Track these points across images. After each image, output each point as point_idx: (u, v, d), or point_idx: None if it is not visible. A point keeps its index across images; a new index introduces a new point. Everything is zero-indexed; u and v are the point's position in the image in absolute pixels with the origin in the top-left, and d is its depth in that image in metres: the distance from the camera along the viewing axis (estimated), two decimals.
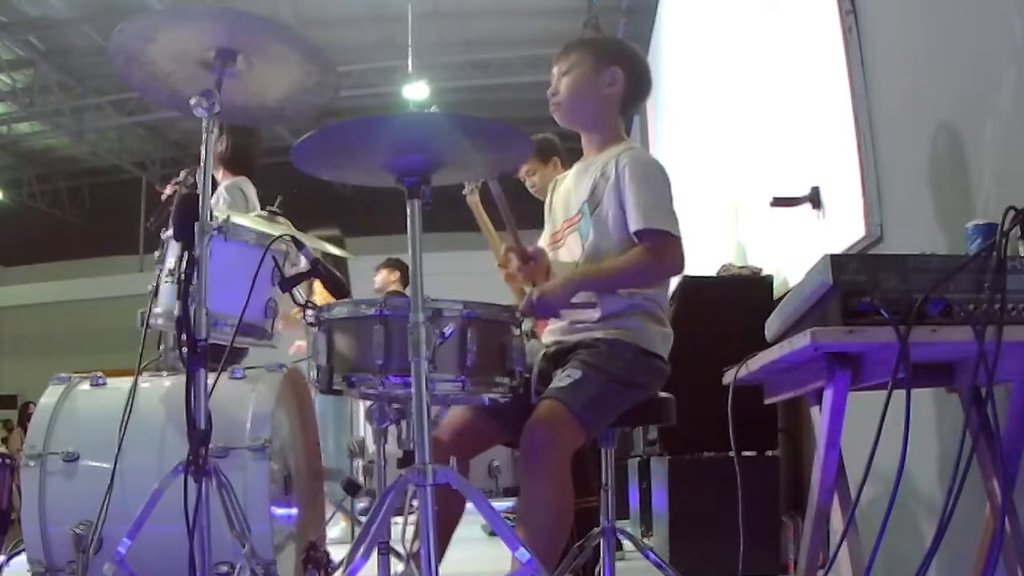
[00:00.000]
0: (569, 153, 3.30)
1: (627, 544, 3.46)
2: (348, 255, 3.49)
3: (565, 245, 2.24)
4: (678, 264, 2.10)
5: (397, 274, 5.70)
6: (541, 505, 1.93)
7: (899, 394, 1.42)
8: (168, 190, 3.40)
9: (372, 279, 5.99)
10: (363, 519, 3.79)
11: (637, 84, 2.27)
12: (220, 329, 2.14)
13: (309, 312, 1.94)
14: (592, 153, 2.28)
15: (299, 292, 2.13)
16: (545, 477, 1.92)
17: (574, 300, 2.07)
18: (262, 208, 2.56)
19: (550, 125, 2.34)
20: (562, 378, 2.00)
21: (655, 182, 2.12)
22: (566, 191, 2.30)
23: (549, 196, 2.40)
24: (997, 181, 1.95)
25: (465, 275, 5.31)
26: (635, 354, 2.07)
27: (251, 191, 3.56)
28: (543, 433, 1.92)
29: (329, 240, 2.56)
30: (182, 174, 3.44)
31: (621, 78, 2.22)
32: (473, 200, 3.44)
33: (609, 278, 2.10)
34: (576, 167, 2.34)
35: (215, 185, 3.50)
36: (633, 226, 2.07)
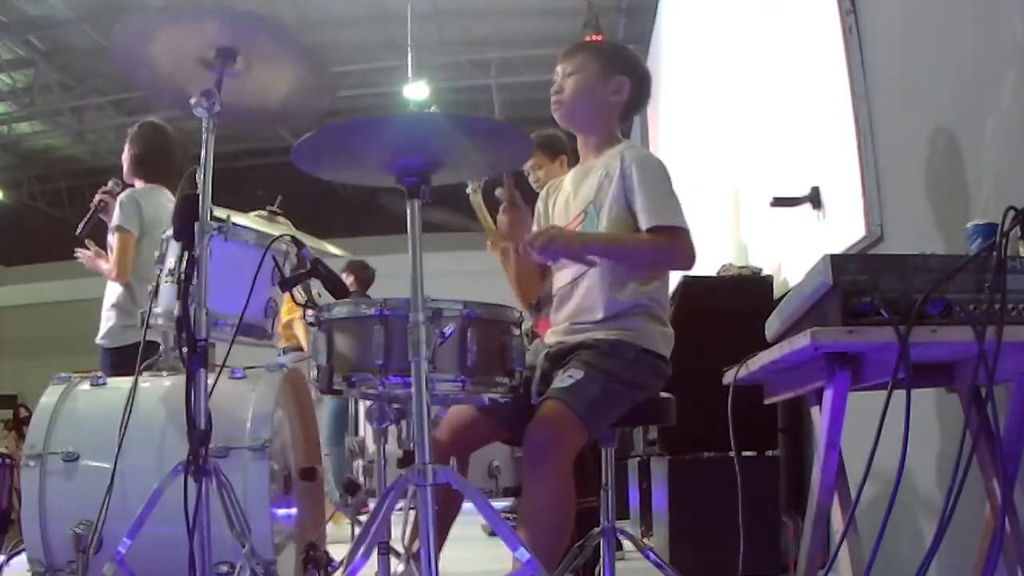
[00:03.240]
0: (573, 153, 3.29)
1: (627, 544, 3.46)
2: (344, 254, 3.48)
3: None
4: (689, 257, 2.10)
5: (351, 278, 5.74)
6: (543, 506, 1.93)
7: (899, 394, 1.42)
8: (96, 198, 3.40)
9: (375, 278, 6.02)
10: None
11: (640, 95, 2.30)
12: (220, 329, 2.14)
13: (309, 312, 1.94)
14: (589, 156, 2.29)
15: (299, 292, 2.13)
16: (548, 478, 1.92)
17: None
18: (259, 209, 2.55)
19: (550, 125, 2.35)
20: (563, 379, 2.01)
21: (661, 179, 2.14)
22: (564, 197, 2.30)
23: (542, 203, 2.40)
24: (997, 181, 1.95)
25: (465, 275, 5.31)
26: (636, 354, 2.07)
27: (157, 199, 3.42)
28: (546, 434, 1.92)
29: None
30: (110, 183, 3.45)
31: (627, 88, 2.24)
32: (476, 200, 3.43)
33: (623, 249, 2.11)
34: (572, 172, 2.34)
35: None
36: (645, 224, 2.08)
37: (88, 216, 3.46)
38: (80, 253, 3.55)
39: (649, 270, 2.14)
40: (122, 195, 3.41)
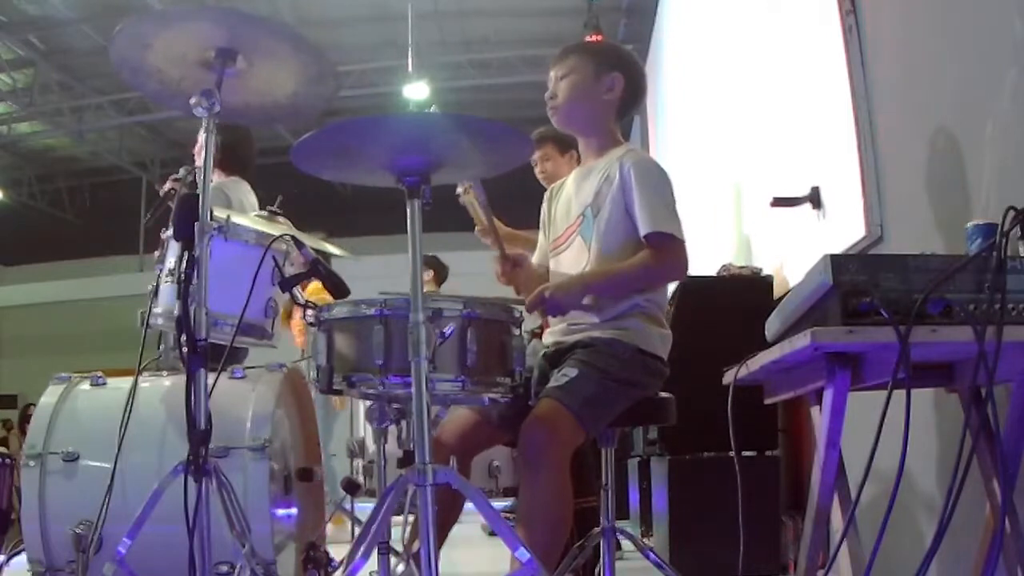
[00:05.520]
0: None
1: (627, 544, 3.46)
2: (344, 254, 3.47)
3: (568, 249, 2.23)
4: (683, 267, 2.12)
5: (431, 273, 5.63)
6: (541, 504, 1.92)
7: (899, 394, 1.42)
8: (167, 186, 3.39)
9: (373, 279, 5.96)
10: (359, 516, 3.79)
11: (634, 90, 2.28)
12: (220, 329, 2.14)
13: (309, 312, 1.94)
14: (591, 158, 2.29)
15: (299, 292, 2.13)
16: (544, 476, 1.92)
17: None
18: (262, 208, 2.55)
19: (550, 125, 2.34)
20: (558, 377, 2.01)
21: (660, 185, 2.14)
22: (566, 198, 2.30)
23: (547, 204, 2.40)
24: (997, 181, 1.95)
25: (466, 275, 5.31)
26: (632, 353, 2.07)
27: (240, 191, 3.50)
28: (541, 432, 1.92)
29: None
30: (181, 171, 3.42)
31: (620, 84, 2.23)
32: (468, 199, 3.42)
33: (617, 281, 2.11)
34: (574, 173, 2.34)
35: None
36: (643, 229, 2.09)
37: (157, 205, 3.43)
38: None
39: (648, 288, 2.14)
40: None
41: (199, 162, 3.56)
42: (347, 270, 2.17)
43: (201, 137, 3.55)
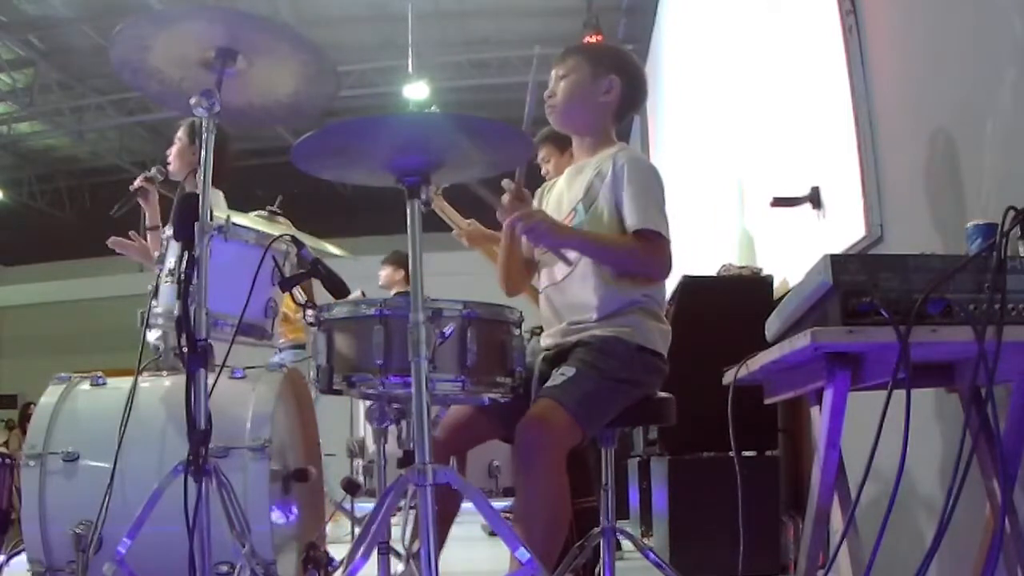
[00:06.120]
0: None
1: (627, 544, 3.46)
2: (344, 254, 3.46)
3: None
4: (665, 265, 2.13)
5: (401, 272, 5.61)
6: (537, 504, 1.92)
7: (899, 394, 1.42)
8: (137, 182, 3.36)
9: (373, 279, 5.97)
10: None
11: (633, 93, 2.29)
12: (220, 329, 2.14)
13: (309, 312, 1.94)
14: (583, 156, 2.30)
15: (299, 292, 2.13)
16: (540, 476, 1.91)
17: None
18: (255, 211, 2.54)
19: (549, 125, 2.35)
20: (556, 377, 2.01)
21: (651, 184, 2.15)
22: (558, 194, 2.31)
23: (537, 201, 2.40)
24: (997, 181, 1.95)
25: (465, 275, 5.31)
26: (632, 352, 2.07)
27: (216, 202, 3.46)
28: (536, 431, 1.91)
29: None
30: (153, 170, 3.40)
31: (618, 87, 2.24)
32: (439, 204, 3.40)
33: (602, 249, 2.12)
34: (567, 171, 2.35)
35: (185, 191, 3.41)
36: (631, 224, 2.09)
37: (125, 199, 3.40)
38: (116, 242, 3.47)
39: (624, 273, 2.14)
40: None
41: (174, 166, 3.55)
42: (347, 270, 2.16)
43: (177, 140, 3.54)
